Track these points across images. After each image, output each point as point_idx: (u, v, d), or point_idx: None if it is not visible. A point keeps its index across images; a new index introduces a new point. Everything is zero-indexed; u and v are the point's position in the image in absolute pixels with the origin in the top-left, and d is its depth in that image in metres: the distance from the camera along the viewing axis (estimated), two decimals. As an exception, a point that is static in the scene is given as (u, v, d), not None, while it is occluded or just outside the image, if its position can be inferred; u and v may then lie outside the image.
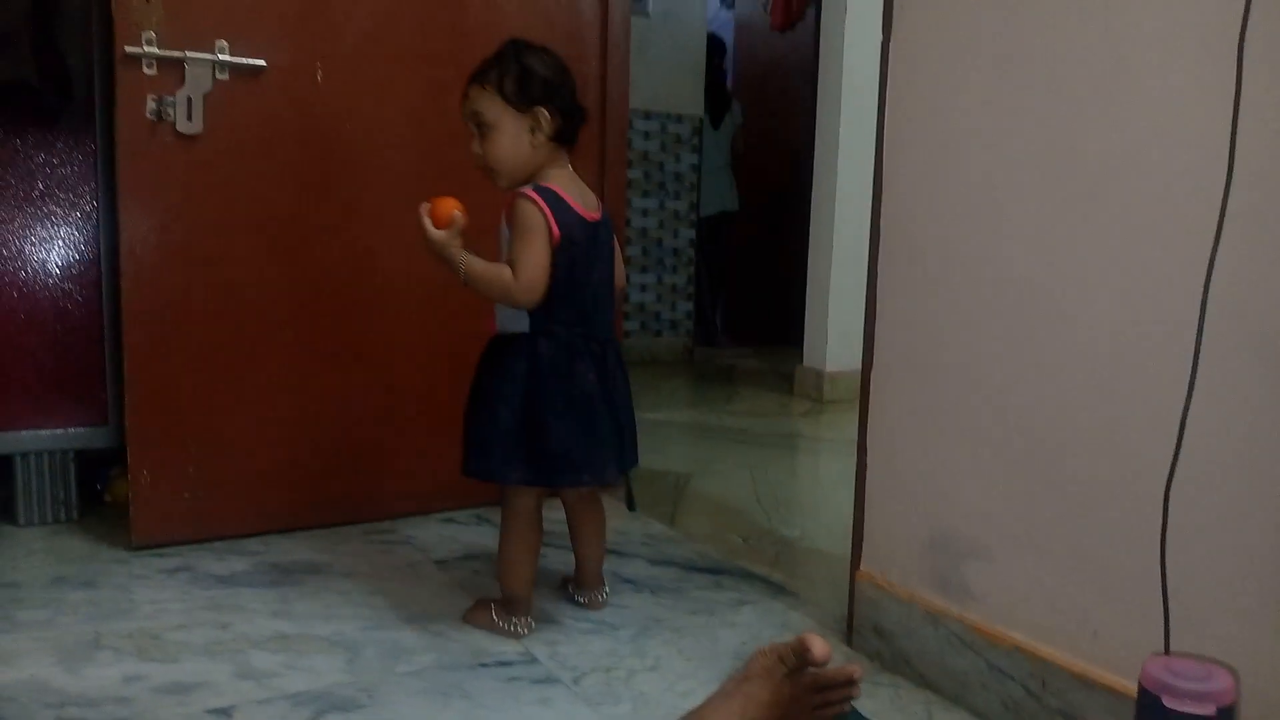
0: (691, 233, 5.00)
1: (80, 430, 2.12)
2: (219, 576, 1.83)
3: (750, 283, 5.81)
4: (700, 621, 1.69)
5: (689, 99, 4.88)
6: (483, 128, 1.52)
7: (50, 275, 2.07)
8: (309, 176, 2.04)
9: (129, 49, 1.83)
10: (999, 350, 1.35)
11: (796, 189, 5.30)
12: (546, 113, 1.51)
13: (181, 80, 1.88)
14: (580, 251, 1.52)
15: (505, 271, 1.47)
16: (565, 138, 1.55)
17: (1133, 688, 1.05)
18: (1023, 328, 1.31)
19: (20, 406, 2.06)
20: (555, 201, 1.49)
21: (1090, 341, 1.23)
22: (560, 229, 1.48)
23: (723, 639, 1.62)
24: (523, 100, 1.50)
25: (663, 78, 4.72)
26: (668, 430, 3.28)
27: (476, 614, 1.64)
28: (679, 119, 4.87)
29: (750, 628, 1.67)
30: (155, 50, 1.85)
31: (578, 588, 1.75)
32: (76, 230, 2.08)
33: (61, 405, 2.10)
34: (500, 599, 1.62)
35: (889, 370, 1.55)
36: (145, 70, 1.85)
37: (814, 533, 2.21)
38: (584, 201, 1.55)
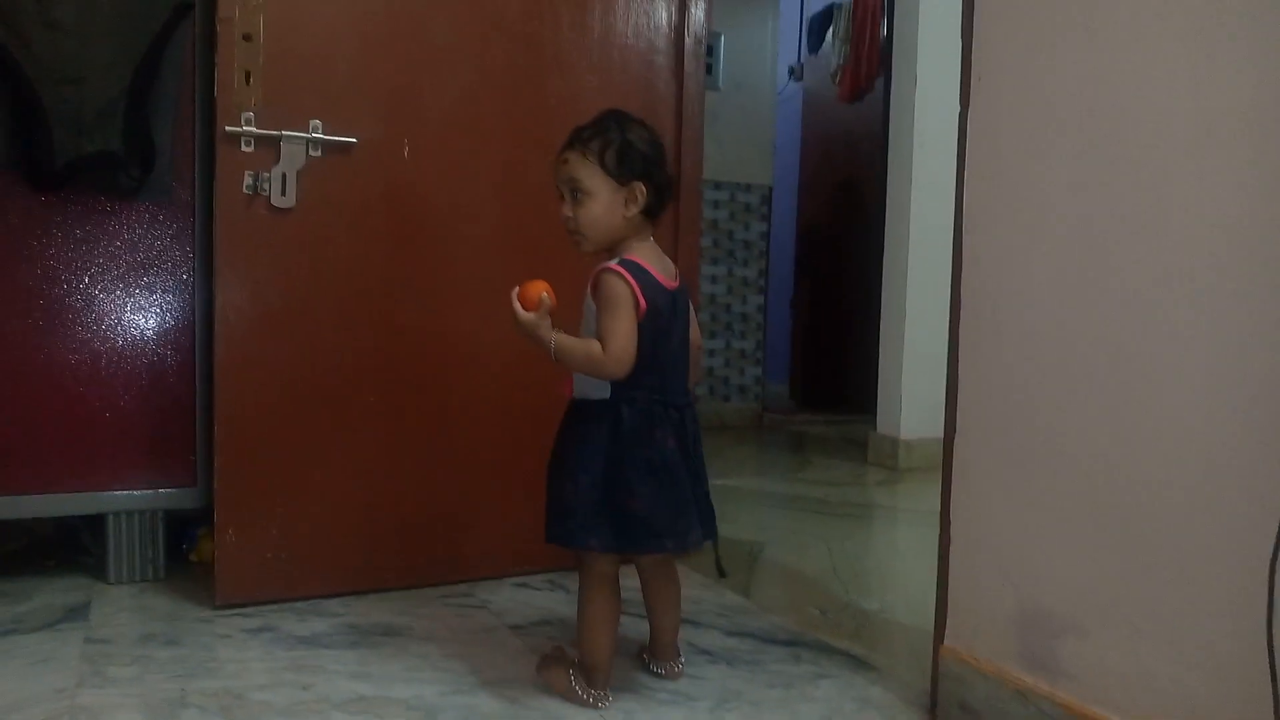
0: (760, 299, 5.02)
1: (169, 491, 2.18)
2: (300, 637, 1.86)
3: (820, 350, 5.79)
4: (778, 695, 1.66)
5: (758, 169, 4.95)
6: (578, 194, 1.55)
7: (147, 341, 2.15)
8: (395, 247, 2.11)
9: (229, 128, 1.93)
10: (1091, 418, 1.32)
11: (865, 258, 5.31)
12: (643, 187, 1.55)
13: (277, 157, 1.97)
14: (664, 320, 1.55)
15: (595, 346, 1.50)
16: (654, 212, 1.59)
17: (1242, 774, 1.01)
18: (1115, 395, 1.29)
19: (114, 467, 2.14)
20: (640, 274, 1.52)
21: (1186, 408, 1.20)
22: (646, 300, 1.51)
23: (802, 714, 1.59)
24: (623, 174, 1.54)
25: (732, 148, 4.80)
26: (739, 498, 3.26)
27: (553, 675, 1.63)
28: (748, 188, 4.93)
29: (830, 702, 1.63)
30: (254, 129, 1.94)
31: (653, 658, 1.74)
32: (173, 298, 2.17)
33: (152, 466, 2.17)
34: (578, 664, 1.61)
35: (973, 439, 1.53)
36: (244, 148, 1.95)
37: (894, 605, 2.16)
38: (664, 270, 1.58)
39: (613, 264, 1.53)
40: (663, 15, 2.37)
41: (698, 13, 2.41)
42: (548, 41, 2.24)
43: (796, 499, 3.30)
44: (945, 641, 1.56)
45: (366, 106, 2.06)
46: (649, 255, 1.58)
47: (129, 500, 2.15)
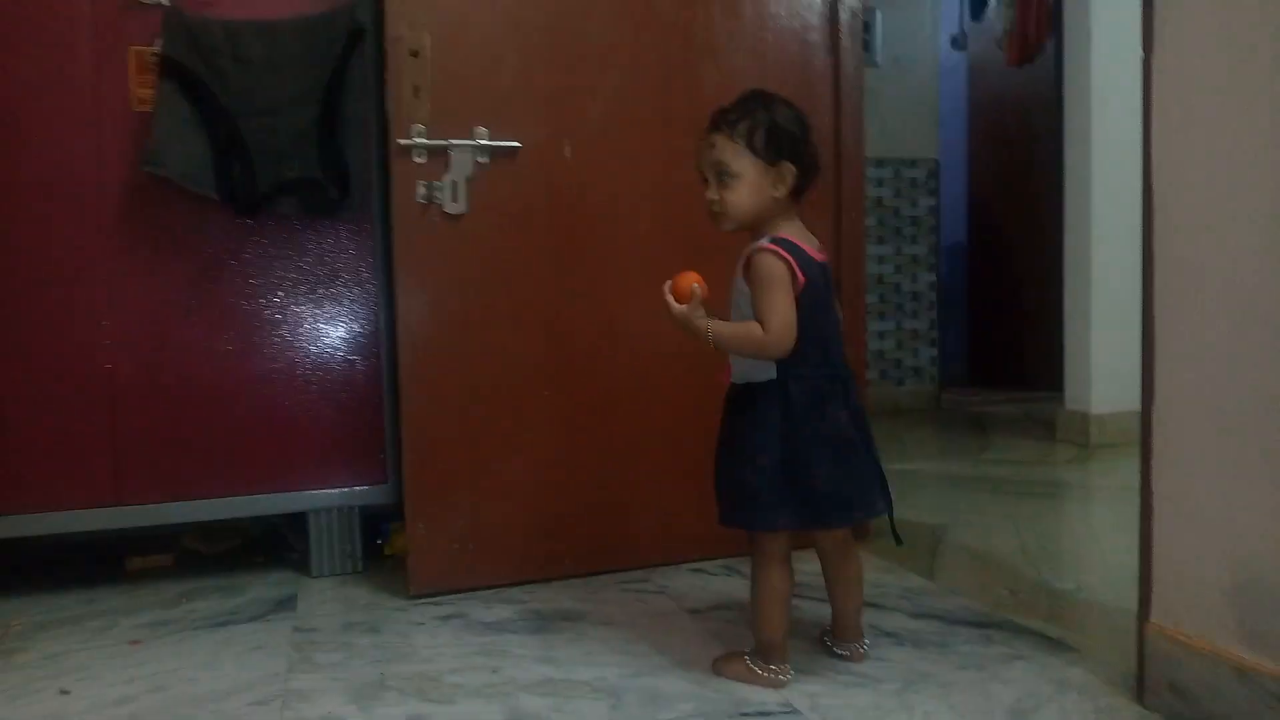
0: (932, 276, 4.85)
1: (364, 489, 2.31)
2: (488, 623, 1.93)
3: (998, 326, 5.55)
4: (970, 677, 1.59)
5: (923, 143, 4.79)
6: (725, 176, 1.53)
7: (337, 349, 2.29)
8: (561, 245, 2.16)
9: (402, 141, 2.03)
10: (1303, 374, 1.21)
11: (1041, 227, 5.06)
12: (792, 168, 1.52)
13: (447, 166, 2.05)
14: (820, 293, 1.54)
15: (754, 328, 1.49)
16: (801, 192, 1.57)
17: None
18: (1331, 347, 1.17)
19: (313, 468, 2.29)
20: (794, 250, 1.51)
21: None
22: (804, 275, 1.49)
23: (996, 695, 1.52)
24: (771, 155, 1.52)
25: (895, 124, 4.66)
26: (919, 481, 3.16)
27: (731, 666, 1.63)
28: (913, 163, 4.78)
29: (1026, 684, 1.56)
30: (424, 141, 2.03)
31: (836, 639, 1.71)
32: (359, 307, 2.30)
33: (347, 466, 2.30)
34: (755, 649, 1.61)
35: (1175, 406, 1.42)
36: (416, 159, 2.04)
37: (1090, 585, 2.04)
38: (812, 245, 1.57)
39: (766, 243, 1.51)
40: (817, -8, 2.33)
41: (852, -15, 2.36)
42: (700, 29, 2.24)
43: (980, 480, 3.17)
44: (1151, 619, 1.46)
45: (528, 110, 2.12)
46: (797, 232, 1.56)
47: (327, 498, 2.29)
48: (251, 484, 2.25)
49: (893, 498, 1.61)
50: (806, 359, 1.51)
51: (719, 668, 1.64)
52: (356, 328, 2.30)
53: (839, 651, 1.69)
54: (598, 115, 2.18)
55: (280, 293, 2.25)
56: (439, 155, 2.05)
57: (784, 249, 1.50)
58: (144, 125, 2.10)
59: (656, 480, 2.23)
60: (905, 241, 4.79)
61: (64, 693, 1.66)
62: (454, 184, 2.05)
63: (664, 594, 2.07)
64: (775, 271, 1.48)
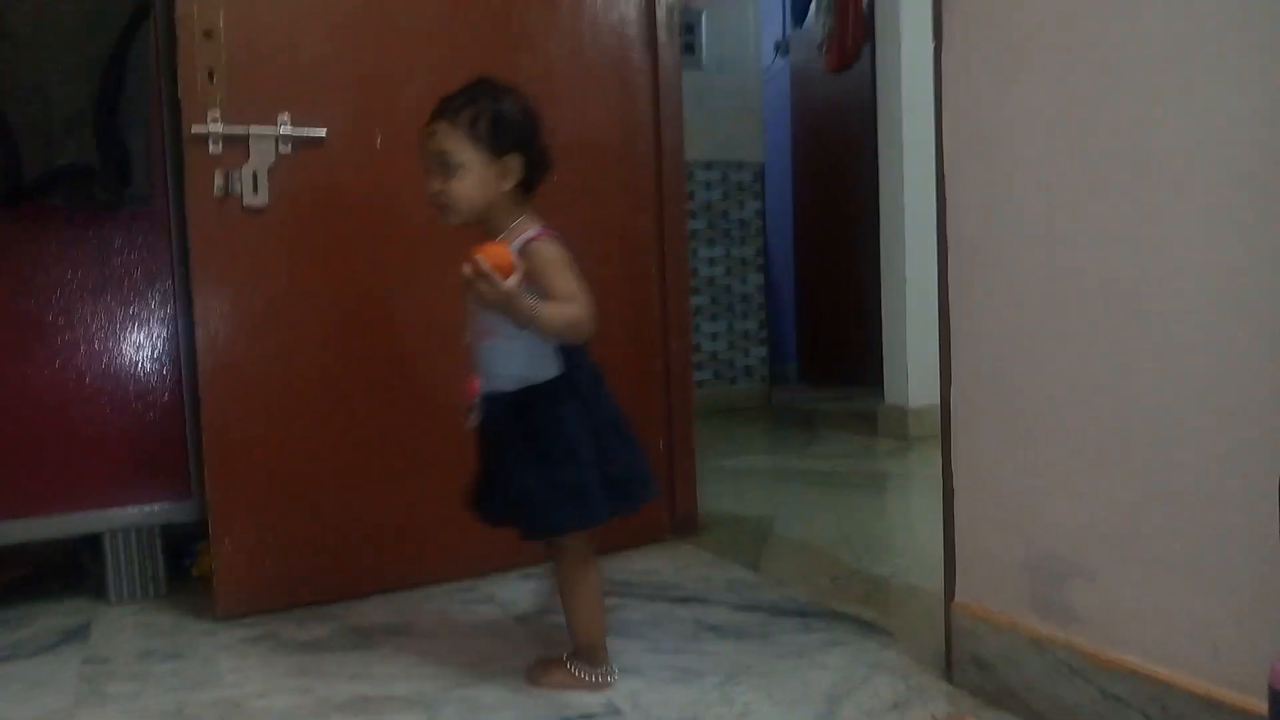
0: (760, 278, 4.96)
1: (165, 506, 2.15)
2: (301, 642, 1.82)
3: (825, 325, 5.74)
4: (789, 665, 1.61)
5: (749, 146, 4.89)
6: (449, 166, 1.46)
7: (131, 354, 2.12)
8: (373, 241, 2.06)
9: (196, 129, 1.89)
10: (1087, 356, 1.27)
11: (863, 228, 5.25)
12: (519, 160, 1.48)
13: (247, 155, 1.93)
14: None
15: (570, 306, 1.44)
16: (530, 185, 1.52)
17: (1261, 706, 0.95)
18: (1111, 330, 1.24)
19: (107, 485, 2.11)
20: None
21: (1187, 337, 1.15)
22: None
23: (814, 681, 1.54)
24: (496, 146, 1.46)
25: (721, 127, 4.74)
26: (748, 476, 3.22)
27: (551, 674, 1.57)
28: (740, 166, 4.88)
29: (842, 669, 1.58)
30: (220, 128, 1.90)
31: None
32: (155, 308, 2.14)
33: (146, 483, 2.14)
34: (575, 652, 1.57)
35: (968, 388, 1.48)
36: (212, 148, 1.91)
37: (906, 569, 2.11)
38: None
39: (538, 232, 1.48)
40: (633, -14, 2.32)
41: (669, -18, 2.37)
42: (517, 17, 2.20)
43: (806, 473, 3.25)
44: (956, 598, 1.51)
45: (335, 97, 2.02)
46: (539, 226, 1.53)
47: (124, 517, 2.12)
48: (38, 505, 2.05)
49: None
50: (581, 346, 1.51)
51: (536, 678, 1.58)
52: (153, 331, 2.14)
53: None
54: (411, 104, 2.06)
55: (62, 294, 2.06)
56: (237, 144, 1.92)
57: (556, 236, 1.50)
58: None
59: (481, 484, 2.16)
60: (734, 244, 4.88)
61: None
62: (254, 174, 1.93)
63: (491, 602, 2.01)
64: (559, 255, 1.47)
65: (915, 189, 3.75)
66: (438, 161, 1.47)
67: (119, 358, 2.11)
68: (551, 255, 1.46)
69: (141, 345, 2.13)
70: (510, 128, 1.47)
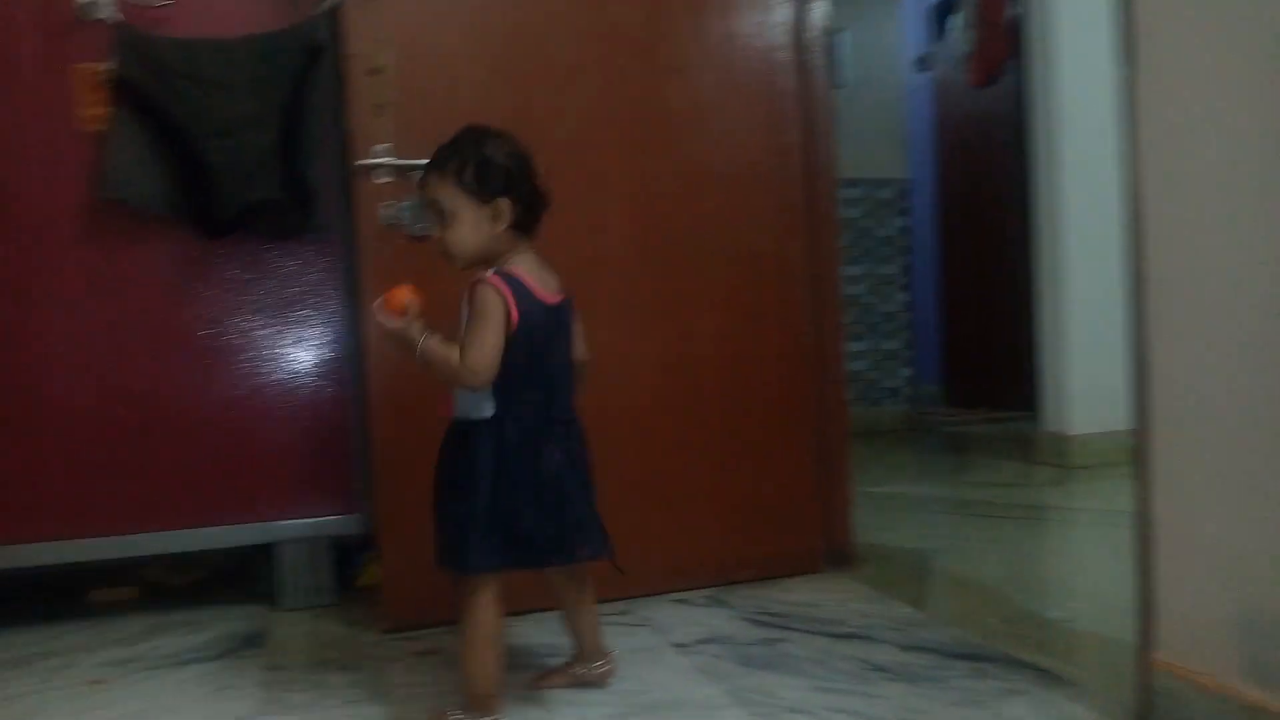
0: (905, 296, 4.85)
1: (334, 519, 2.23)
2: (466, 661, 1.85)
3: (969, 343, 5.55)
4: (967, 714, 1.54)
5: (892, 163, 4.80)
6: (442, 215, 1.51)
7: (304, 374, 2.21)
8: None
9: (363, 162, 1.96)
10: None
11: (1010, 245, 5.07)
12: (508, 203, 1.50)
13: (411, 187, 1.98)
14: (540, 334, 1.51)
15: (453, 353, 1.45)
16: (526, 226, 1.54)
17: None
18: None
19: (281, 498, 2.20)
20: (516, 286, 1.48)
21: None
22: (520, 313, 1.47)
23: (997, 733, 1.47)
24: (484, 191, 1.49)
25: (864, 144, 4.66)
26: (898, 505, 3.13)
27: None
28: (883, 183, 4.79)
29: (1026, 721, 1.51)
30: (387, 160, 1.97)
31: (583, 663, 1.69)
32: (326, 330, 2.22)
33: (317, 496, 2.22)
34: (466, 702, 1.54)
35: (1172, 432, 1.38)
36: (379, 180, 1.98)
37: (1084, 614, 2.00)
38: (544, 284, 1.55)
39: (490, 274, 1.48)
40: (782, 12, 2.30)
41: (817, 6, 2.34)
42: (666, 48, 2.20)
43: (961, 503, 3.14)
44: (1153, 653, 1.42)
45: (493, 130, 2.06)
46: (528, 268, 1.53)
47: (295, 529, 2.21)
48: (217, 515, 2.17)
49: (609, 543, 1.62)
50: (524, 399, 1.50)
51: None
52: (324, 352, 2.22)
53: (588, 675, 1.68)
54: (566, 136, 2.12)
55: (244, 317, 2.17)
56: (403, 176, 1.98)
57: (506, 283, 1.47)
58: (94, 145, 2.03)
59: (638, 508, 2.15)
60: (877, 262, 4.78)
61: (15, 742, 1.57)
62: (419, 205, 1.98)
63: (648, 626, 2.00)
64: (489, 304, 1.46)
65: (1074, 208, 3.58)
66: (434, 211, 1.53)
67: (293, 378, 2.20)
68: (477, 301, 1.47)
69: (314, 366, 2.22)
70: (496, 172, 1.50)
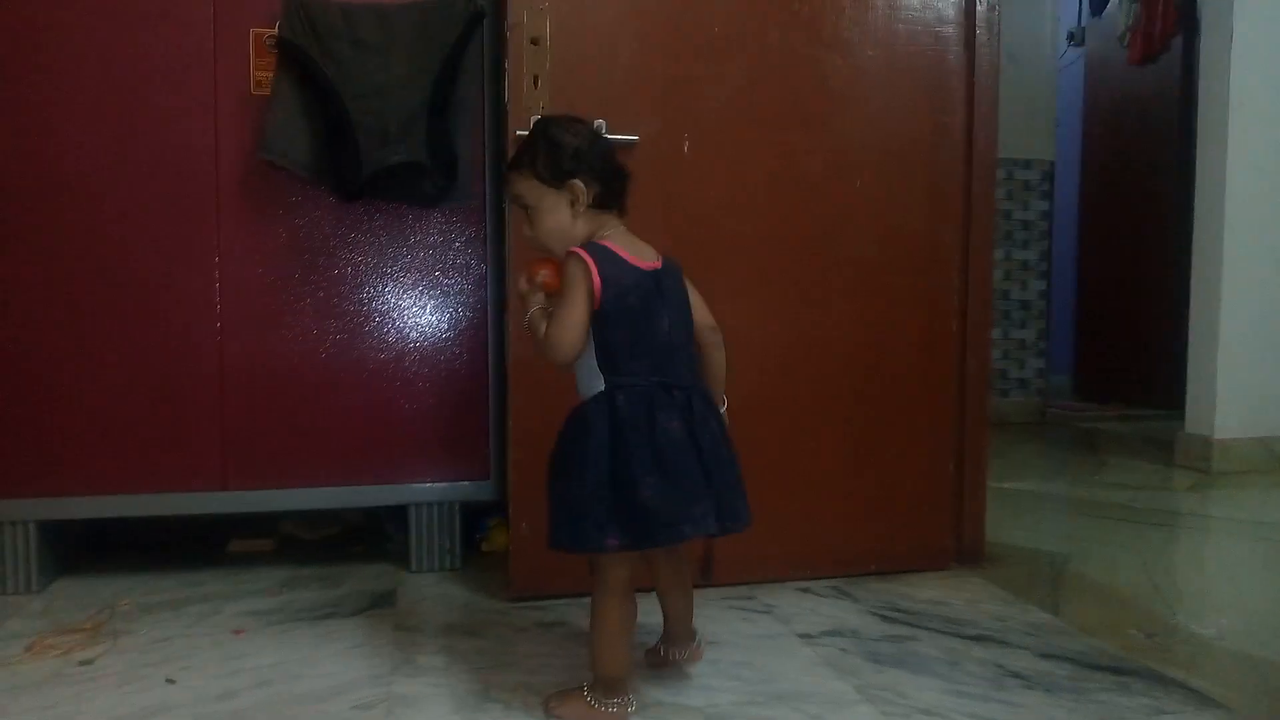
0: (1043, 284, 4.66)
1: (465, 484, 2.28)
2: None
3: (1106, 336, 5.31)
4: (1111, 731, 1.48)
5: (1039, 143, 4.59)
6: (528, 210, 1.52)
7: (444, 341, 2.26)
8: (672, 241, 2.07)
9: (520, 132, 1.96)
10: None
11: (1159, 235, 4.83)
12: (582, 183, 1.48)
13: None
14: (636, 299, 1.47)
15: (543, 327, 1.46)
16: (608, 203, 1.51)
17: None
18: None
19: (415, 461, 2.26)
20: (603, 254, 1.46)
21: None
22: (604, 278, 1.44)
23: (1144, 756, 1.41)
24: (556, 176, 1.49)
25: (1009, 122, 4.45)
26: (1029, 502, 3.02)
27: (568, 707, 1.52)
28: (1027, 164, 4.59)
29: (1175, 744, 1.44)
30: (543, 131, 1.97)
31: (670, 644, 1.68)
32: (467, 299, 2.26)
33: (450, 461, 2.27)
34: (595, 683, 1.52)
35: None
36: (533, 151, 1.98)
37: (1234, 632, 1.89)
38: (638, 253, 1.51)
39: (575, 248, 1.47)
40: (952, -17, 2.21)
41: (991, -23, 2.24)
42: (829, 19, 2.14)
43: (1098, 504, 3.01)
44: (1325, 687, 1.33)
45: (646, 104, 2.05)
46: (619, 240, 1.51)
47: (428, 492, 2.26)
48: (354, 474, 2.23)
49: (748, 514, 1.56)
50: (630, 369, 1.46)
51: (552, 708, 1.54)
52: (464, 320, 2.26)
53: (674, 656, 1.67)
54: (719, 109, 2.09)
55: (389, 281, 2.22)
56: (558, 147, 1.98)
57: (591, 254, 1.45)
58: (260, 109, 2.09)
59: (765, 492, 2.12)
60: (1016, 246, 4.61)
61: (169, 681, 1.66)
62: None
63: (771, 614, 1.99)
64: (573, 277, 1.46)
65: (1239, 194, 3.37)
66: (520, 208, 1.55)
67: (433, 344, 2.25)
68: (565, 276, 1.47)
69: (454, 334, 2.26)
70: (563, 153, 1.49)
